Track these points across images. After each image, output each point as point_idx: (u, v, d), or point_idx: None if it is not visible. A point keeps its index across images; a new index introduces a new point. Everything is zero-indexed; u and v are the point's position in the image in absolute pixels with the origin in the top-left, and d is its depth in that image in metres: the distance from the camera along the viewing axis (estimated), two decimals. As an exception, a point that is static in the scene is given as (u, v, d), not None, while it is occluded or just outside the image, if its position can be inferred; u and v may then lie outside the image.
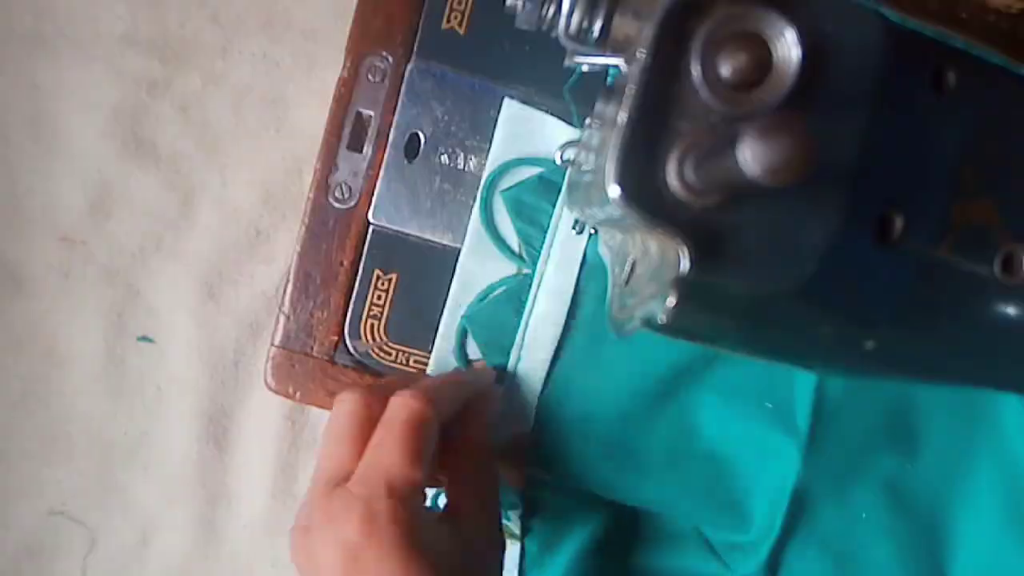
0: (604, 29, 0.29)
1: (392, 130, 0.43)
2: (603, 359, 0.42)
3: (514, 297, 0.43)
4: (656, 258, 0.28)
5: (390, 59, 0.43)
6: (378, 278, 0.43)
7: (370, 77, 0.43)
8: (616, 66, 0.28)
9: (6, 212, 0.51)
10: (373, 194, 0.43)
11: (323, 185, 0.43)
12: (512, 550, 0.44)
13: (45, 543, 0.53)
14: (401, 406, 0.36)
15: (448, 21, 0.43)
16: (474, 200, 0.43)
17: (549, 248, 0.42)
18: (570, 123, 0.42)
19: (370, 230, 0.43)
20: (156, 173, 0.51)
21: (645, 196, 0.25)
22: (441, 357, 0.43)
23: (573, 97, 0.42)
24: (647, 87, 0.25)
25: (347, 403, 0.38)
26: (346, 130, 0.43)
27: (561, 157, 0.40)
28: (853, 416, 0.41)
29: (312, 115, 0.51)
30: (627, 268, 0.31)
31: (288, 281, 0.44)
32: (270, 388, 0.44)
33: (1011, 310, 0.30)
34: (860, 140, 0.25)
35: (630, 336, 0.29)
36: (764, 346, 0.30)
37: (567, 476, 0.43)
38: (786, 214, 0.25)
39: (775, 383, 0.41)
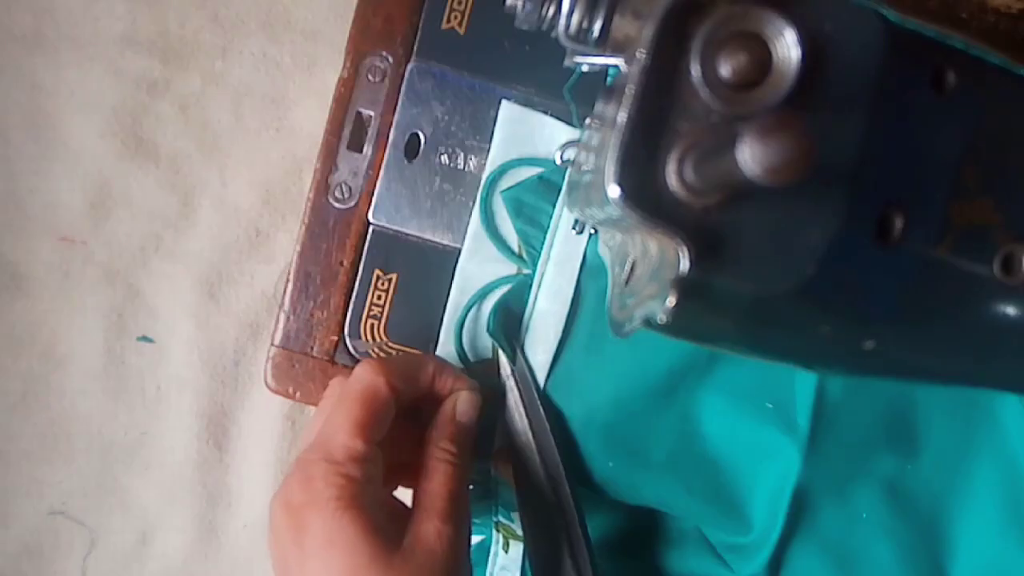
0: (604, 29, 0.29)
1: (392, 130, 0.43)
2: (603, 359, 0.42)
3: (514, 297, 0.43)
4: (656, 258, 0.28)
5: (390, 59, 0.43)
6: (378, 278, 0.43)
7: (370, 77, 0.43)
8: (616, 66, 0.28)
9: (6, 212, 0.51)
10: (373, 194, 0.43)
11: (323, 185, 0.43)
12: (514, 550, 0.44)
13: (45, 543, 0.53)
14: (356, 378, 0.38)
15: (448, 21, 0.43)
16: (474, 200, 0.43)
17: (549, 248, 0.42)
18: (570, 123, 0.42)
19: (370, 230, 0.43)
20: (156, 173, 0.51)
21: (645, 196, 0.25)
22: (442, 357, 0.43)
23: (573, 97, 0.42)
24: (647, 87, 0.25)
25: (334, 385, 0.40)
26: (346, 130, 0.43)
27: (561, 157, 0.40)
28: (853, 416, 0.41)
29: (312, 115, 0.51)
30: (627, 268, 0.31)
31: (288, 281, 0.44)
32: (270, 388, 0.44)
33: (1010, 310, 0.30)
34: (860, 140, 0.25)
35: (630, 336, 0.29)
36: (764, 346, 0.30)
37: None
38: (786, 214, 0.25)
39: (775, 383, 0.41)
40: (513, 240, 0.43)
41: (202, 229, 0.51)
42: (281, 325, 0.44)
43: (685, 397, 0.42)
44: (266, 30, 0.51)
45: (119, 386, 0.52)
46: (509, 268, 0.43)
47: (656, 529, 0.46)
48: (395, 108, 0.43)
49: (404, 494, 0.39)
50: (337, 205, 0.43)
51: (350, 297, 0.43)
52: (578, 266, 0.42)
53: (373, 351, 0.44)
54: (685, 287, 0.25)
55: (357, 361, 0.44)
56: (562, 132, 0.42)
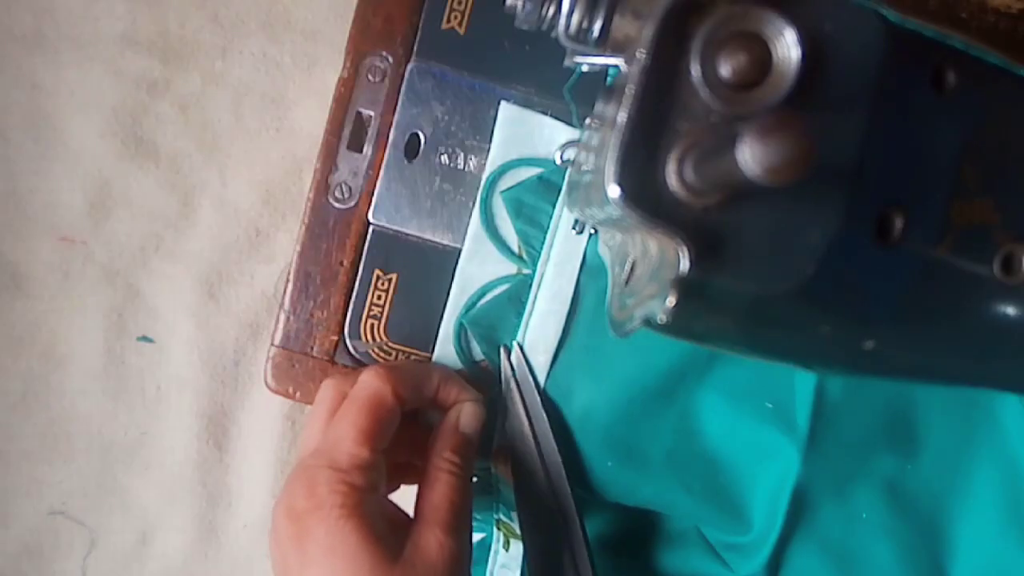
0: (604, 29, 0.29)
1: (392, 130, 0.43)
2: (603, 359, 0.42)
3: (514, 297, 0.43)
4: (656, 258, 0.28)
5: (390, 59, 0.43)
6: (378, 278, 0.43)
7: (370, 77, 0.43)
8: (616, 66, 0.28)
9: (6, 212, 0.51)
10: (373, 194, 0.43)
11: (323, 185, 0.43)
12: (514, 548, 0.44)
13: (45, 543, 0.53)
14: (362, 385, 0.38)
15: (448, 21, 0.43)
16: (474, 200, 0.43)
17: (549, 248, 0.42)
18: (570, 123, 0.42)
19: (370, 230, 0.43)
20: (156, 173, 0.51)
21: (645, 196, 0.25)
22: (442, 358, 0.43)
23: (573, 97, 0.42)
24: (647, 87, 0.25)
25: (327, 386, 0.40)
26: (346, 130, 0.43)
27: (561, 157, 0.40)
28: (853, 416, 0.41)
29: (312, 115, 0.51)
30: (627, 268, 0.31)
31: (288, 281, 0.44)
32: (270, 388, 0.44)
33: (1010, 310, 0.30)
34: (860, 140, 0.25)
35: (630, 336, 0.29)
36: (764, 346, 0.30)
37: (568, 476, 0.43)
38: (786, 214, 0.25)
39: (775, 383, 0.41)
40: (513, 240, 0.43)
41: (202, 229, 0.51)
42: (281, 325, 0.44)
43: (685, 397, 0.42)
44: (266, 30, 0.51)
45: (119, 386, 0.52)
46: (509, 268, 0.43)
47: (655, 529, 0.46)
48: (395, 108, 0.43)
49: (406, 502, 0.39)
50: (337, 205, 0.43)
51: (350, 297, 0.43)
52: (578, 266, 0.42)
53: (373, 351, 0.44)
54: (685, 287, 0.25)
55: (357, 361, 0.44)
56: (562, 132, 0.42)
